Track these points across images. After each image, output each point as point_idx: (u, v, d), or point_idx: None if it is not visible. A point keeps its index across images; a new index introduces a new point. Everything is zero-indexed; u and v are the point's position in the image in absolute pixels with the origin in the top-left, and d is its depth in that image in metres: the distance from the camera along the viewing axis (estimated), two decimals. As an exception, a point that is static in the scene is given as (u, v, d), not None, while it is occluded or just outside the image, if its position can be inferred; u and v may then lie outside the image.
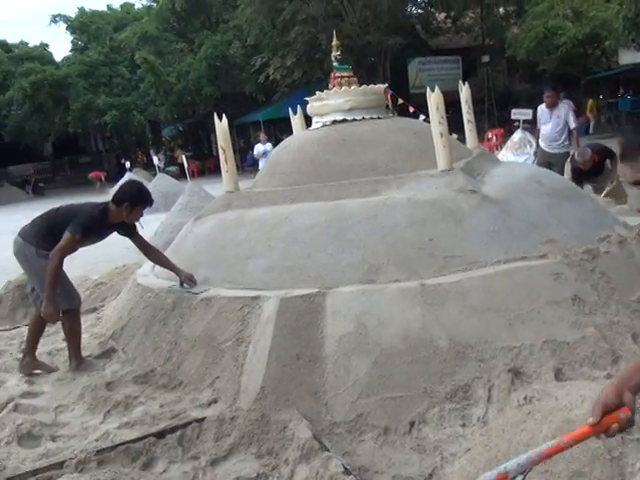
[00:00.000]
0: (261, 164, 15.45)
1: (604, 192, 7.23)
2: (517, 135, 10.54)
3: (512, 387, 3.22)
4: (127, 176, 18.50)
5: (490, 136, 17.81)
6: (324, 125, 5.21)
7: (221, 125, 4.99)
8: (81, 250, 4.67)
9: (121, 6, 37.17)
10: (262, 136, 18.44)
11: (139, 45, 31.80)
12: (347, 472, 2.80)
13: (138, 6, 36.86)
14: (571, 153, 8.20)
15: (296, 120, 6.03)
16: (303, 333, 3.61)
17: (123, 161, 26.46)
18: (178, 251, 5.05)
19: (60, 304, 4.46)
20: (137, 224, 4.66)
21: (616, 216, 5.04)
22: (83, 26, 34.08)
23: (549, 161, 8.50)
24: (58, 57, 35.35)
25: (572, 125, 8.66)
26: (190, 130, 37.44)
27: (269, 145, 16.90)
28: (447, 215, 4.03)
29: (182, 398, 3.80)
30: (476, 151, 5.41)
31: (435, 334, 3.46)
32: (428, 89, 4.44)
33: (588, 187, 7.52)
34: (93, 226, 4.38)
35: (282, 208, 4.51)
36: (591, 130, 23.57)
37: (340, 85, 5.26)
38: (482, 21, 28.58)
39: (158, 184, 16.80)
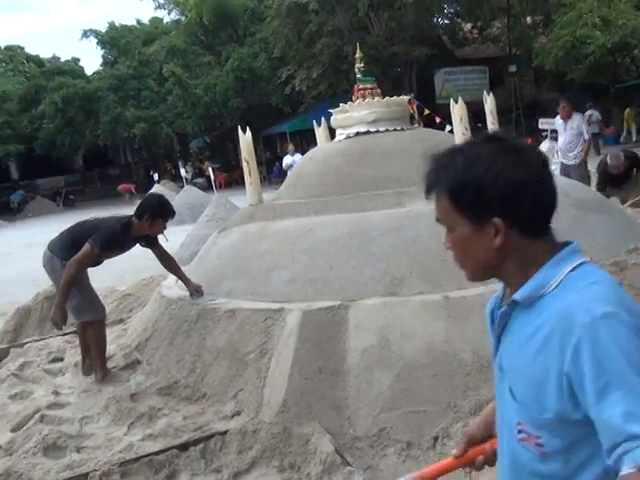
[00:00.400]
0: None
1: (628, 202, 7.09)
2: (545, 145, 10.45)
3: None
4: (155, 188, 18.68)
5: (518, 146, 17.57)
6: (348, 137, 5.22)
7: (245, 137, 5.03)
8: (108, 262, 4.79)
9: (150, 20, 37.72)
10: (290, 147, 18.54)
11: (167, 58, 32.25)
12: (369, 487, 2.78)
13: (166, 20, 37.39)
14: (600, 159, 8.03)
15: (320, 132, 6.05)
16: (326, 346, 3.59)
17: (151, 173, 26.78)
18: (202, 263, 5.08)
19: (85, 315, 4.54)
20: (161, 236, 4.72)
21: (645, 227, 4.94)
22: (113, 40, 34.63)
23: (567, 173, 8.28)
24: (89, 71, 36.06)
25: (586, 136, 8.50)
26: (217, 142, 37.74)
27: (298, 156, 16.90)
28: (471, 227, 3.98)
29: (205, 410, 3.81)
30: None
31: (459, 348, 3.42)
32: (452, 100, 4.42)
33: (616, 199, 7.36)
34: (114, 240, 4.45)
35: (305, 220, 4.52)
36: (622, 139, 23.23)
37: (363, 97, 5.26)
38: (509, 31, 28.35)
39: (185, 196, 16.96)
